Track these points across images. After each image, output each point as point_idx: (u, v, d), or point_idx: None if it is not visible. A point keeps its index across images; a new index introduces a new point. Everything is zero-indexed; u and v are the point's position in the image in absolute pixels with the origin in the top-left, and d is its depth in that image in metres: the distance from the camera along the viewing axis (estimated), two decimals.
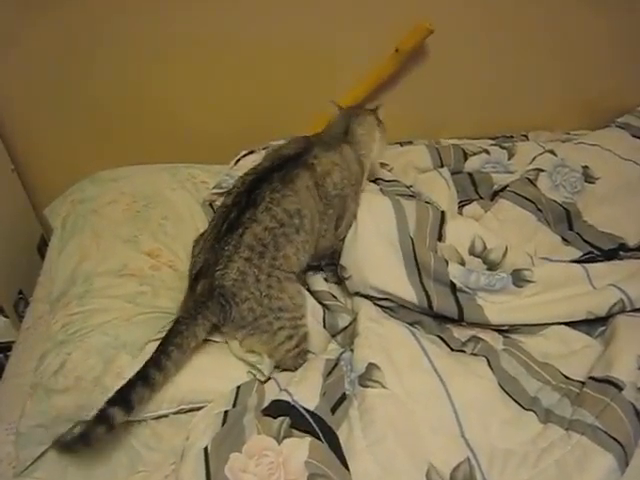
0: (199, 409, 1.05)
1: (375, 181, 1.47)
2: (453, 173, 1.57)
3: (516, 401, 1.06)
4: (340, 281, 1.30)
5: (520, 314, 1.20)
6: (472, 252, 1.30)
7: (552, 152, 1.57)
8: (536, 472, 0.93)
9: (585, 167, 1.54)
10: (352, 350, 1.11)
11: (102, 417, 0.92)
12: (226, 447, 0.94)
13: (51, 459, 1.00)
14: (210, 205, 1.45)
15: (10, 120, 1.58)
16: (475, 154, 1.63)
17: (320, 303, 1.23)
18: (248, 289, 1.08)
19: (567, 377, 1.11)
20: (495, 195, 1.52)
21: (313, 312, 1.19)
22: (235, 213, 1.12)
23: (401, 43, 1.57)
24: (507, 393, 1.06)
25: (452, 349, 1.15)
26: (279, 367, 1.15)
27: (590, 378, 1.06)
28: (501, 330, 1.21)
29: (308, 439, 0.94)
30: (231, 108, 1.64)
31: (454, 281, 1.21)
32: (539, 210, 1.43)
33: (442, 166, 1.60)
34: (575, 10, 1.63)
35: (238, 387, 1.06)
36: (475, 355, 1.13)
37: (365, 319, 1.16)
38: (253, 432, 0.95)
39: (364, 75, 1.65)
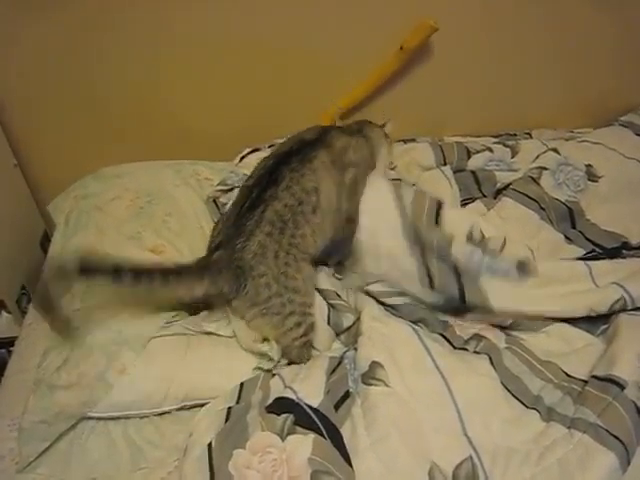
0: (202, 406, 1.05)
1: None
2: (456, 171, 1.57)
3: (518, 399, 1.06)
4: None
5: (522, 304, 1.19)
6: (470, 240, 1.29)
7: (555, 150, 1.57)
8: (538, 470, 0.93)
9: (588, 165, 1.54)
10: (356, 349, 1.11)
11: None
12: (230, 444, 0.94)
13: (54, 455, 1.00)
14: (214, 202, 1.45)
15: (13, 115, 1.57)
16: (478, 152, 1.62)
17: (325, 302, 1.22)
18: (267, 264, 1.09)
19: (569, 375, 1.11)
20: (498, 193, 1.52)
21: (319, 309, 1.19)
22: (256, 192, 1.15)
23: (405, 41, 1.57)
24: (509, 391, 1.07)
25: (455, 347, 1.16)
26: (283, 357, 1.15)
27: (592, 377, 1.07)
28: (503, 327, 1.21)
29: (311, 436, 0.94)
30: (234, 106, 1.64)
31: (457, 258, 1.20)
32: (542, 208, 1.43)
33: (445, 164, 1.59)
34: (579, 8, 1.63)
35: (242, 384, 1.06)
36: (477, 353, 1.13)
37: (369, 318, 1.16)
38: (257, 429, 0.96)
39: (368, 73, 1.64)
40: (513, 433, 0.99)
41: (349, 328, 1.21)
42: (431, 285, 1.20)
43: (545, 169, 1.51)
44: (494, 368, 1.09)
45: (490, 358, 1.11)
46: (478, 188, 1.55)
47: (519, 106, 1.79)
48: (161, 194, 1.45)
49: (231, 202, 1.31)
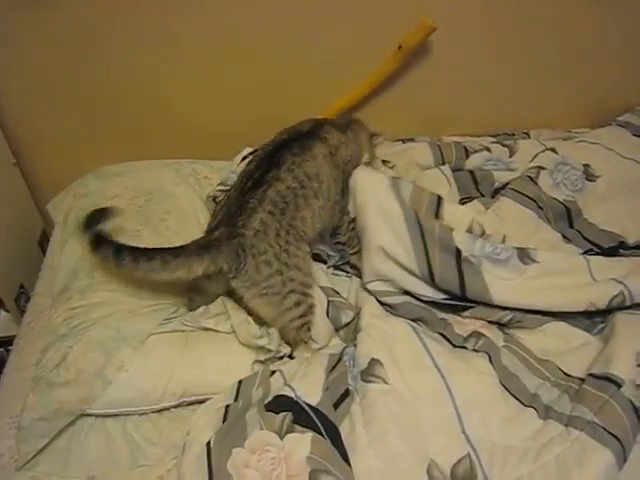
0: (201, 402, 1.05)
1: None
2: (454, 170, 1.57)
3: (516, 398, 1.07)
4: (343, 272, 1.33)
5: (523, 296, 1.19)
6: (470, 233, 1.30)
7: (553, 150, 1.57)
8: (536, 467, 0.94)
9: (586, 165, 1.54)
10: (355, 345, 1.12)
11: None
12: (228, 442, 0.94)
13: (53, 453, 1.00)
14: (214, 200, 1.45)
15: (12, 114, 1.58)
16: (476, 151, 1.63)
17: (324, 297, 1.23)
18: (268, 241, 1.10)
19: (567, 374, 1.12)
20: (496, 193, 1.52)
21: (319, 302, 1.19)
22: (259, 173, 1.16)
23: (404, 40, 1.57)
24: (507, 390, 1.07)
25: (454, 345, 1.16)
26: (281, 337, 1.15)
27: (589, 375, 1.07)
28: (501, 325, 1.22)
29: (310, 435, 0.95)
30: (234, 104, 1.64)
31: (459, 247, 1.21)
32: (540, 208, 1.43)
33: (444, 163, 1.60)
34: (577, 9, 1.63)
35: (240, 381, 1.07)
36: (476, 351, 1.14)
37: (368, 315, 1.17)
38: (255, 427, 0.96)
39: (367, 73, 1.65)
40: (511, 431, 1.00)
41: (348, 324, 1.21)
42: (432, 277, 1.20)
43: (543, 169, 1.51)
44: (493, 366, 1.10)
45: (489, 356, 1.11)
46: (476, 187, 1.55)
47: (517, 106, 1.79)
48: (160, 193, 1.46)
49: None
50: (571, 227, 1.46)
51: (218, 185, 1.46)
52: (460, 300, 1.22)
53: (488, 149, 1.64)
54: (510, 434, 0.99)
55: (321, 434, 0.95)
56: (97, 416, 1.04)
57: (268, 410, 0.99)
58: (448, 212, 1.33)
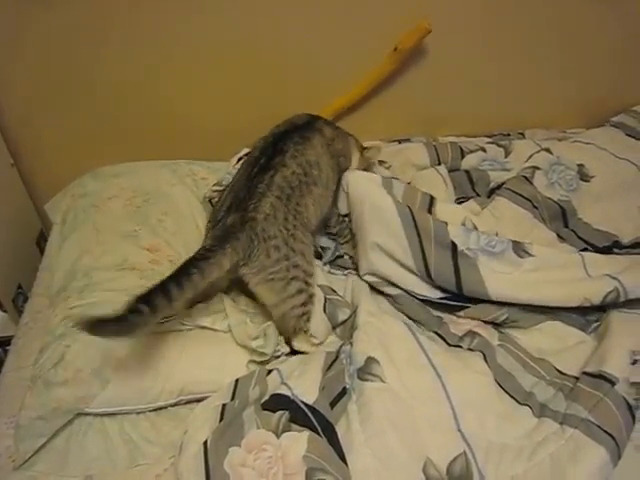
0: (198, 401, 1.06)
1: None
2: (450, 170, 1.58)
3: (512, 396, 1.07)
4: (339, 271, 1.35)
5: (519, 290, 1.20)
6: None
7: (548, 150, 1.58)
8: (531, 465, 0.95)
9: (580, 165, 1.55)
10: (351, 343, 1.12)
11: (130, 309, 0.91)
12: (225, 441, 0.95)
13: (51, 452, 1.01)
14: (210, 201, 1.46)
15: (10, 115, 1.58)
16: (472, 152, 1.64)
17: (322, 293, 1.24)
18: (278, 226, 1.12)
19: (561, 372, 1.13)
20: (492, 192, 1.53)
21: (317, 299, 1.20)
22: (264, 159, 1.19)
23: (400, 42, 1.58)
24: (503, 388, 1.08)
25: (449, 344, 1.17)
26: (280, 327, 1.15)
27: (584, 373, 1.08)
28: (496, 324, 1.22)
29: (306, 433, 0.95)
30: (231, 105, 1.64)
31: (455, 241, 1.21)
32: (535, 207, 1.44)
33: (440, 163, 1.61)
34: (573, 10, 1.64)
35: (236, 380, 1.07)
36: (472, 350, 1.14)
37: (365, 313, 1.17)
38: (252, 426, 0.96)
39: (363, 73, 1.65)
40: (506, 429, 1.01)
41: (345, 322, 1.22)
42: (428, 273, 1.21)
43: (538, 169, 1.52)
44: (488, 365, 1.10)
45: (484, 355, 1.12)
46: (472, 187, 1.57)
47: (512, 106, 1.80)
48: (158, 193, 1.46)
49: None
50: (566, 227, 1.47)
51: (214, 186, 1.47)
52: (456, 299, 1.23)
53: (484, 149, 1.65)
54: (505, 432, 1.00)
55: (318, 433, 0.96)
56: (95, 415, 1.05)
57: (265, 409, 1.00)
58: (440, 211, 1.34)
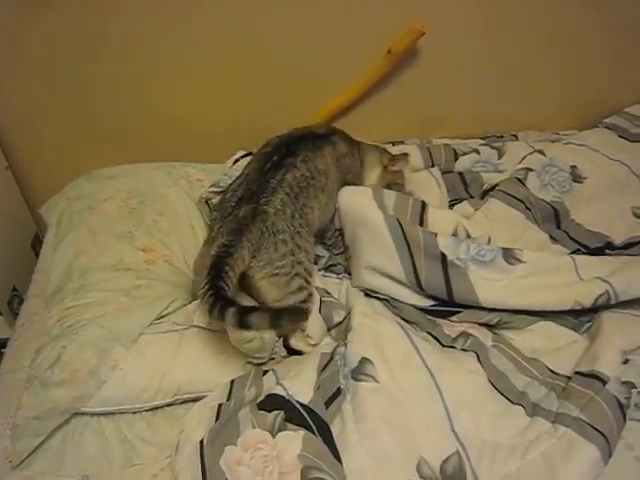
0: (194, 400, 1.07)
1: None
2: (444, 172, 1.59)
3: (505, 396, 1.08)
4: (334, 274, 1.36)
5: (510, 297, 1.20)
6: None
7: (541, 152, 1.59)
8: (523, 463, 0.95)
9: (573, 167, 1.56)
10: (346, 345, 1.12)
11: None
12: (221, 440, 0.95)
13: (47, 452, 1.01)
14: (206, 202, 1.46)
15: (5, 117, 1.58)
16: (465, 154, 1.64)
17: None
18: (286, 221, 1.14)
19: (554, 372, 1.13)
20: (485, 194, 1.53)
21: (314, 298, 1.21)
22: (277, 157, 1.22)
23: (393, 45, 1.59)
24: (496, 388, 1.09)
25: (443, 345, 1.17)
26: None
27: (576, 373, 1.08)
28: (490, 326, 1.23)
29: (302, 432, 0.96)
30: (227, 108, 1.65)
31: (444, 251, 1.22)
32: (528, 209, 1.45)
33: (433, 165, 1.62)
34: (568, 13, 1.65)
35: (232, 381, 1.08)
36: (465, 351, 1.15)
37: (359, 315, 1.18)
38: (248, 426, 0.97)
39: (357, 76, 1.66)
40: (499, 428, 1.01)
41: (339, 324, 1.23)
42: (419, 284, 1.21)
43: (531, 170, 1.53)
44: (481, 365, 1.11)
45: (477, 355, 1.12)
46: (465, 189, 1.57)
47: (506, 108, 1.81)
48: (153, 195, 1.46)
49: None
50: (558, 228, 1.47)
51: (211, 187, 1.47)
52: (448, 306, 1.23)
53: (477, 151, 1.66)
54: (499, 431, 1.01)
55: (313, 432, 0.96)
56: (91, 415, 1.05)
57: (260, 409, 1.00)
58: (433, 217, 1.34)
